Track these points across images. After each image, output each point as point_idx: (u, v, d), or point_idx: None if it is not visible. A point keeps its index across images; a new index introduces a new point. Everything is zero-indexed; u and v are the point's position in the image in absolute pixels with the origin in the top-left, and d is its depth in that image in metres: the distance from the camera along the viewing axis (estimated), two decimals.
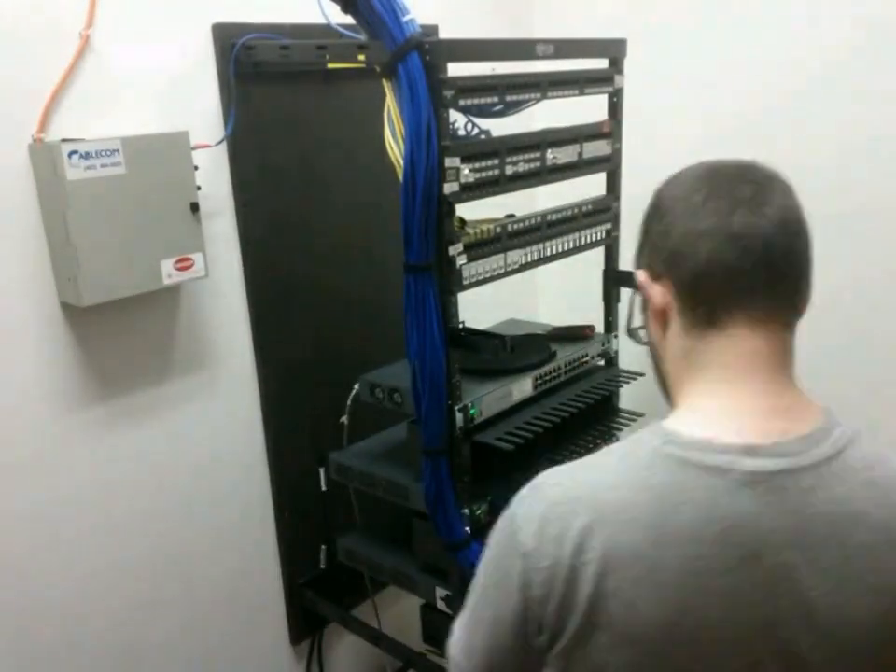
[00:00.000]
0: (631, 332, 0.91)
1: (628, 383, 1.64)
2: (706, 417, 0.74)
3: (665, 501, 0.69)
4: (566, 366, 1.55)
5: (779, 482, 0.69)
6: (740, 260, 0.72)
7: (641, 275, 0.81)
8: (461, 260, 1.28)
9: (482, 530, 1.39)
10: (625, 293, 1.68)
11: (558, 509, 0.72)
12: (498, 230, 1.34)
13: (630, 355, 1.64)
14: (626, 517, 0.70)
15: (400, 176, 1.20)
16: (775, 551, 0.69)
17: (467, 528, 1.36)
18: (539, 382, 1.49)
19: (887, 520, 0.71)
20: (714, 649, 0.70)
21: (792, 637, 0.70)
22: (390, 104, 1.21)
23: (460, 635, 0.85)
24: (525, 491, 0.78)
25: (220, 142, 1.47)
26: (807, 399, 0.75)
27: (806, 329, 0.78)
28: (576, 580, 0.70)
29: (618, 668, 0.71)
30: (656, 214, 0.80)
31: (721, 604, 0.69)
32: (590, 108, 1.52)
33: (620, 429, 1.65)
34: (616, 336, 1.68)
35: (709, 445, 0.70)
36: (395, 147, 1.22)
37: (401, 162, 1.20)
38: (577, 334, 1.65)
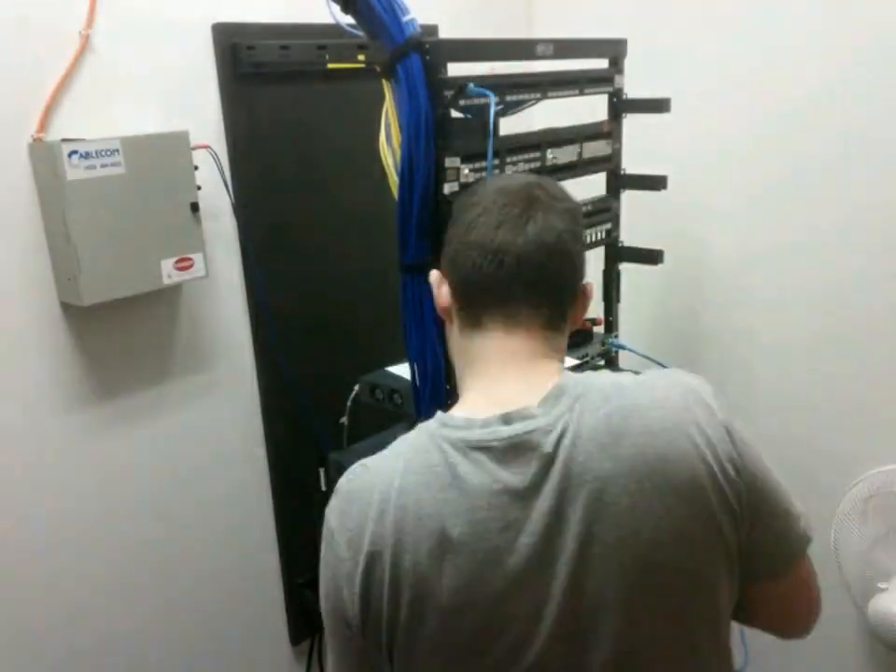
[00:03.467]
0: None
1: None
2: (471, 402, 0.85)
3: (442, 477, 0.77)
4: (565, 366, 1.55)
5: (534, 439, 0.76)
6: (497, 272, 0.83)
7: (434, 275, 0.92)
8: None
9: None
10: (625, 294, 1.68)
11: (354, 503, 0.81)
12: None
13: (630, 355, 1.64)
14: (412, 499, 0.77)
15: (390, 180, 1.20)
16: (543, 498, 0.75)
17: None
18: None
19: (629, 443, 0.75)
20: (505, 605, 0.75)
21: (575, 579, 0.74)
22: (388, 107, 1.20)
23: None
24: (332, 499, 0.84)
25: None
26: (558, 376, 0.83)
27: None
28: (374, 567, 0.76)
29: (424, 643, 0.76)
30: (451, 221, 0.91)
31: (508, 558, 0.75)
32: (590, 108, 1.52)
33: None
34: (616, 336, 1.68)
35: (472, 423, 0.79)
36: (387, 152, 1.21)
37: (391, 167, 1.19)
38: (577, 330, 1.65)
